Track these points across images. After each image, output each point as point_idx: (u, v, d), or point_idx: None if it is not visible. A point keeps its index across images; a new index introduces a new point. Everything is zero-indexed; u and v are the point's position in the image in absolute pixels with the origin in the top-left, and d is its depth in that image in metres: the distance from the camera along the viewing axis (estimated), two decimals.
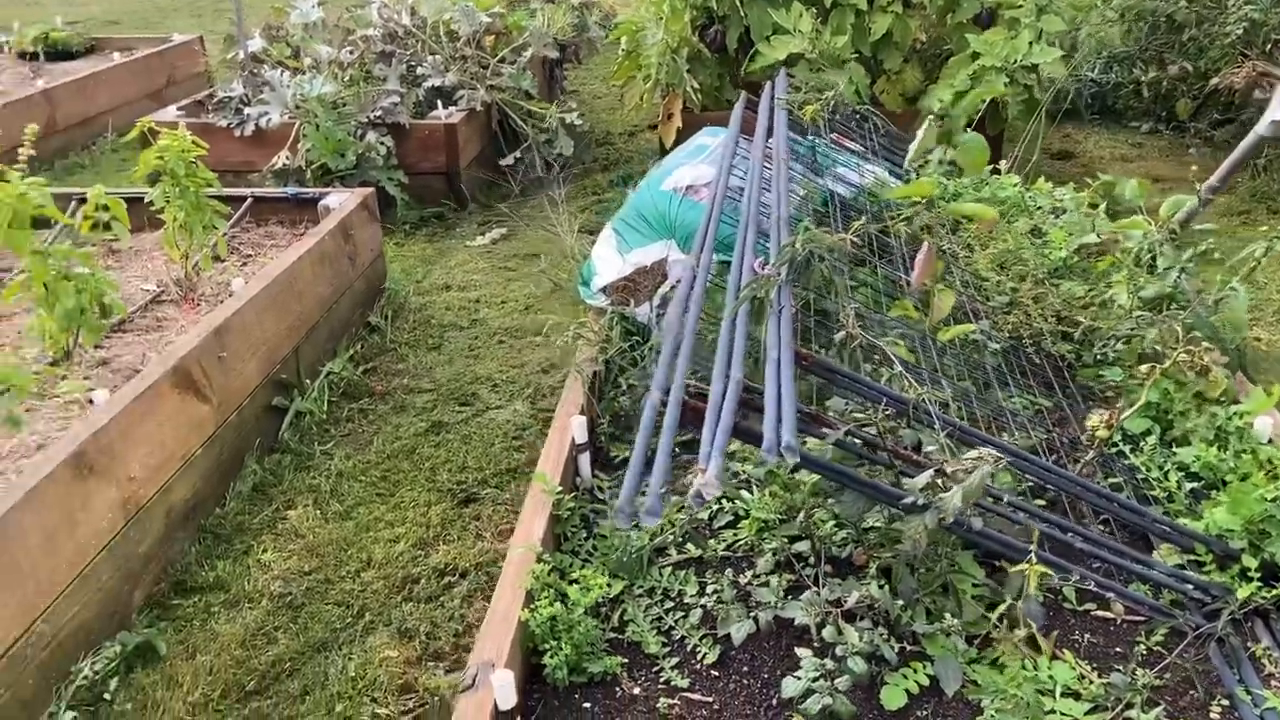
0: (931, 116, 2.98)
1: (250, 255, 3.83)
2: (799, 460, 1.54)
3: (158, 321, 3.25)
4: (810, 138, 3.19)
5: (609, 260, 2.83)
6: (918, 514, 1.71)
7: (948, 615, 1.78)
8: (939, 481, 1.68)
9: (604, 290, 2.86)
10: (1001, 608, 1.82)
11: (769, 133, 2.99)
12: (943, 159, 2.90)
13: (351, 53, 5.32)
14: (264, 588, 2.59)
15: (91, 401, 2.66)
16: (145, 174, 3.28)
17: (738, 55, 5.10)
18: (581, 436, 2.35)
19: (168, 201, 3.30)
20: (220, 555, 2.70)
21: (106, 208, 2.75)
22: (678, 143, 5.17)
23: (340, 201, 3.94)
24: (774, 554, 2.05)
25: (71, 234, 3.36)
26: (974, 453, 1.65)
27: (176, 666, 2.33)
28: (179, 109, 5.37)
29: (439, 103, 5.25)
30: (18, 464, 2.47)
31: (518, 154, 5.58)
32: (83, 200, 3.71)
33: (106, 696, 2.24)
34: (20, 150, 2.68)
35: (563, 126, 5.68)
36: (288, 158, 4.83)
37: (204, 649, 2.39)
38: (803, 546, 2.06)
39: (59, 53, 7.30)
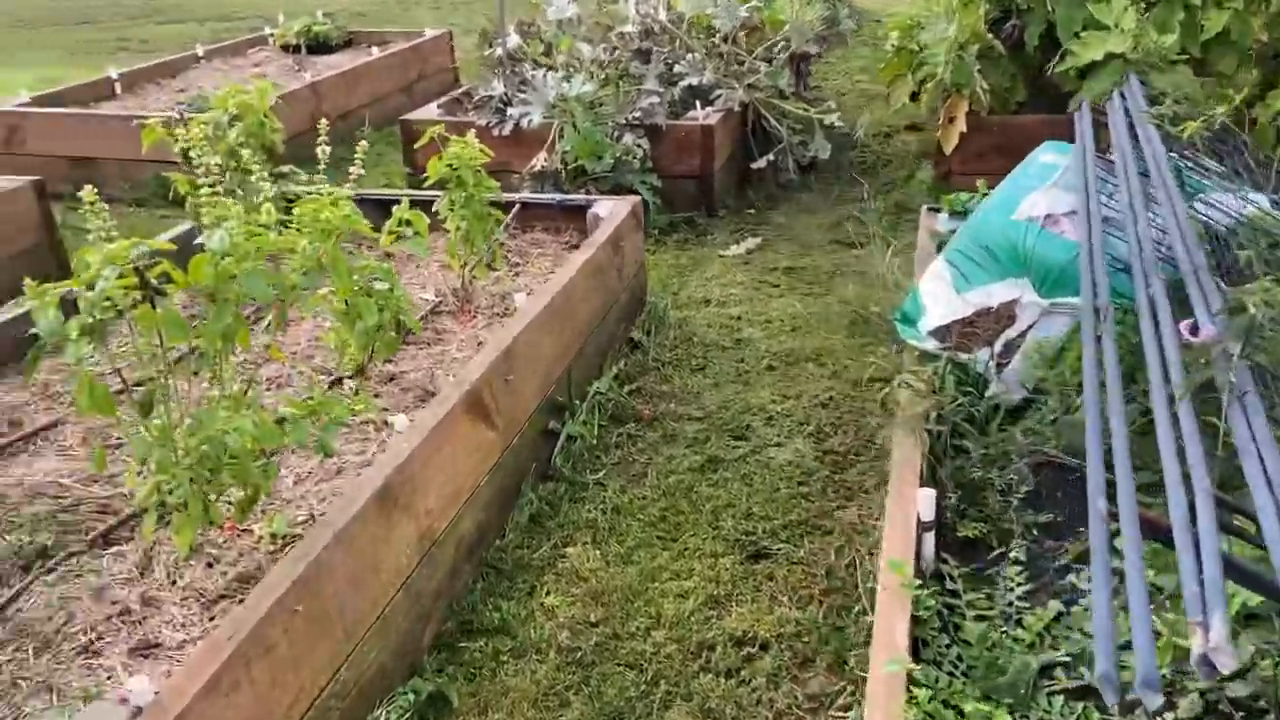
0: None
1: (518, 264, 3.71)
2: None
3: (437, 334, 3.16)
4: (1172, 156, 2.69)
5: (942, 298, 2.47)
6: None
7: None
8: None
9: (934, 333, 2.50)
10: None
11: (1134, 152, 2.53)
12: None
13: (608, 51, 5.15)
14: (550, 637, 2.41)
15: (387, 423, 2.57)
16: (434, 180, 3.19)
17: (1036, 54, 4.57)
18: (929, 514, 2.02)
19: (451, 209, 3.21)
20: (503, 594, 2.55)
21: (409, 222, 2.66)
22: (959, 149, 4.72)
23: (609, 210, 3.76)
24: (1201, 695, 1.65)
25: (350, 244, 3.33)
26: None
27: None
28: (439, 107, 5.39)
29: (696, 103, 5.00)
30: (316, 488, 2.39)
31: (770, 156, 5.26)
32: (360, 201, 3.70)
33: None
34: (354, 165, 2.62)
35: (820, 127, 5.32)
36: (546, 160, 4.72)
37: (495, 705, 2.23)
38: (1240, 688, 1.64)
39: (319, 45, 7.61)
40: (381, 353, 2.68)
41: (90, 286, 1.92)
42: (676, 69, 5.17)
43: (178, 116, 3.39)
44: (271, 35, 7.82)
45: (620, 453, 3.15)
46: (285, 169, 3.54)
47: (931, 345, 2.52)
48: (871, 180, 5.39)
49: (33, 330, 1.89)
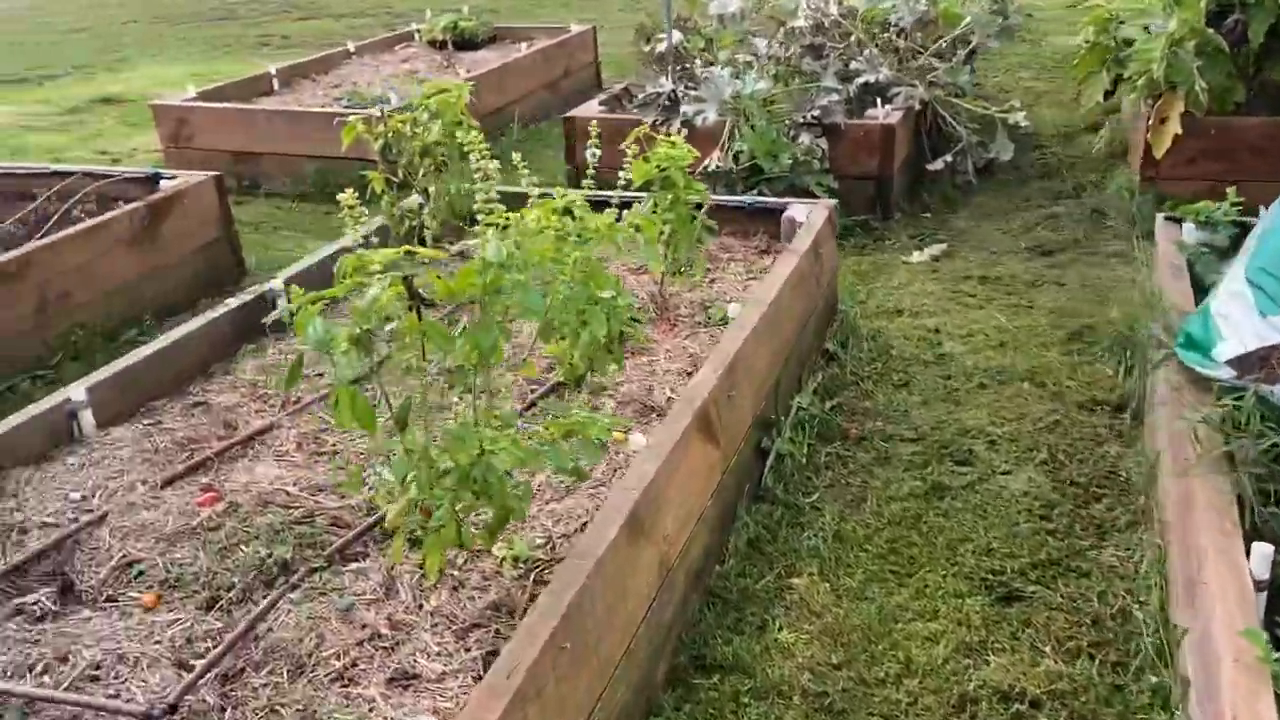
0: None
1: (709, 269, 3.54)
2: None
3: (640, 343, 3.02)
4: None
5: (1243, 322, 2.21)
6: None
7: None
8: None
9: (1233, 362, 2.23)
10: None
11: None
12: None
13: (783, 46, 4.95)
14: (792, 679, 2.23)
15: (603, 442, 2.43)
16: (640, 183, 3.05)
17: (1258, 52, 4.19)
18: (1263, 572, 1.77)
19: (655, 211, 3.06)
20: (732, 627, 2.39)
21: (638, 228, 2.51)
22: (1170, 152, 4.36)
23: (808, 215, 3.56)
24: None
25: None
26: None
27: None
28: (600, 104, 5.27)
29: (878, 100, 4.76)
30: (549, 508, 2.27)
31: (948, 158, 4.99)
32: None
33: None
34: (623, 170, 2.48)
35: (1003, 127, 5.01)
36: (719, 160, 4.55)
37: None
38: None
39: (464, 41, 7.60)
40: (608, 366, 2.55)
41: (351, 294, 1.84)
42: (852, 66, 4.93)
43: (379, 114, 3.34)
44: (418, 31, 7.86)
45: (831, 474, 2.96)
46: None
47: (1225, 375, 2.25)
48: (1057, 184, 5.05)
49: (301, 344, 1.80)
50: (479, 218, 1.84)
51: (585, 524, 2.18)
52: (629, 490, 2.10)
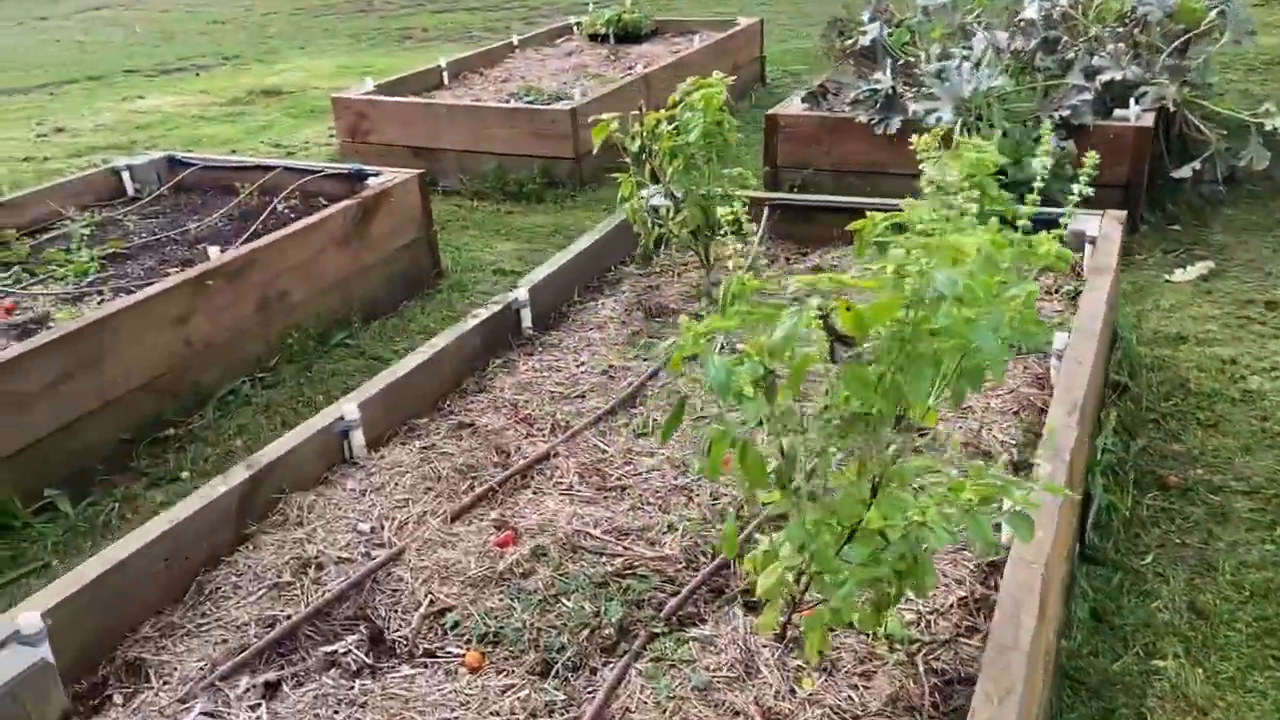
0: None
1: None
2: None
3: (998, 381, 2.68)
4: None
5: None
6: None
7: None
8: None
9: None
10: None
11: None
12: None
13: (1024, 39, 4.53)
14: None
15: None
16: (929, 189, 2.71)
17: None
18: None
19: (946, 220, 2.71)
20: (1100, 717, 2.04)
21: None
22: None
23: (1098, 228, 3.17)
24: None
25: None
26: None
27: None
28: (802, 101, 4.94)
29: (1129, 101, 4.32)
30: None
31: (1196, 165, 4.50)
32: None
33: None
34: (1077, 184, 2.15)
35: (1258, 133, 4.51)
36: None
37: None
38: None
39: (626, 35, 7.36)
40: (951, 403, 2.22)
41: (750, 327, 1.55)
42: (1094, 62, 4.49)
43: (638, 112, 3.07)
44: (577, 25, 7.65)
45: (1160, 531, 2.57)
46: (733, 171, 3.17)
47: None
48: None
49: (685, 377, 1.53)
50: (900, 236, 1.54)
51: (964, 599, 1.87)
52: (1030, 564, 1.77)
